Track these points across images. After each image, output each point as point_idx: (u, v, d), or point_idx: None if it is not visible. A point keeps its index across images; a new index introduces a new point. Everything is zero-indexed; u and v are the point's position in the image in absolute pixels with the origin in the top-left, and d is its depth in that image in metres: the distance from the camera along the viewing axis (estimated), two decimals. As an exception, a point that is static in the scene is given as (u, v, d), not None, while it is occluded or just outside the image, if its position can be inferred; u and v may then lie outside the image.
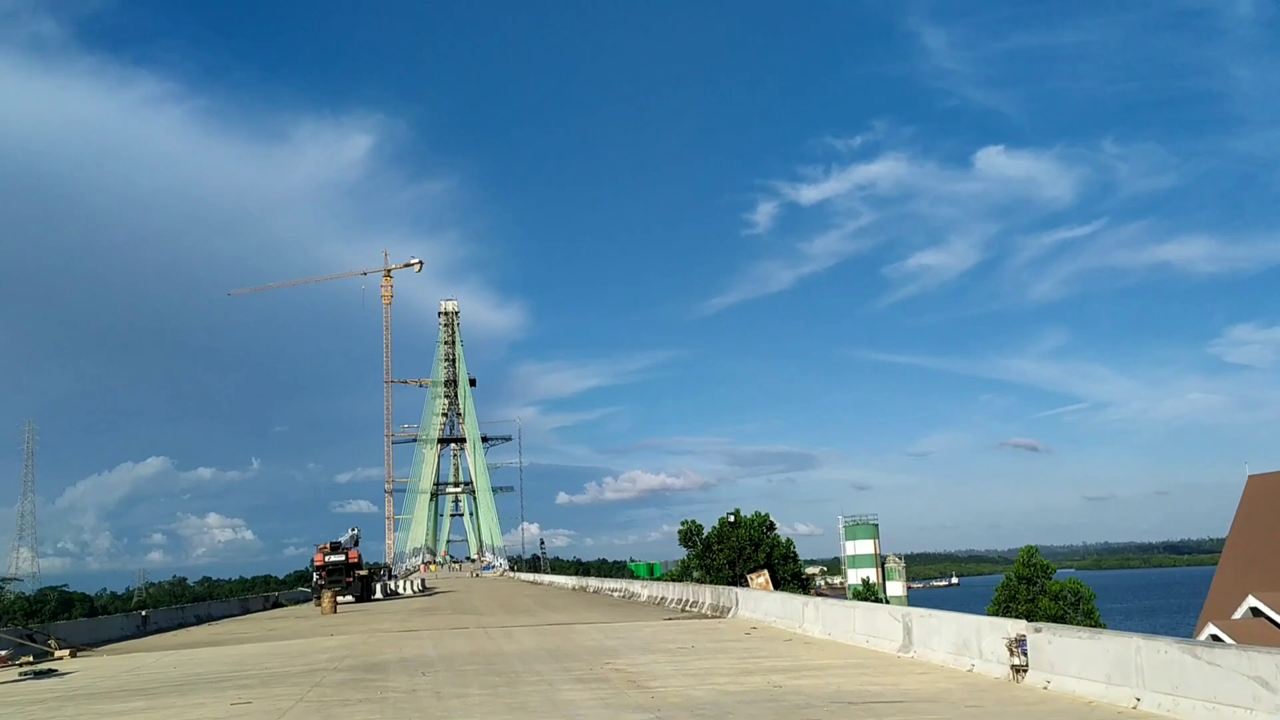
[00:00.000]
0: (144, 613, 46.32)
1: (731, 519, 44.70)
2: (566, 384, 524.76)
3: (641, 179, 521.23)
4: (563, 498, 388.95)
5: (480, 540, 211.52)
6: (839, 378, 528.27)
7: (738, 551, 44.59)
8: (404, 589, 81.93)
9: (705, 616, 36.02)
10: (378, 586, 76.50)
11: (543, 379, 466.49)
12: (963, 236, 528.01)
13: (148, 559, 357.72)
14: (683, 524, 47.42)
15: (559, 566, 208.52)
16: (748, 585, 46.23)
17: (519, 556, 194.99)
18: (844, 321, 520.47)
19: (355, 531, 72.71)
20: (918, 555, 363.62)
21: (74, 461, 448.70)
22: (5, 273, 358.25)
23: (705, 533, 46.77)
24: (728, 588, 35.57)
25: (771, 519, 47.86)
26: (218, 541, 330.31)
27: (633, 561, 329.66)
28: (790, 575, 49.05)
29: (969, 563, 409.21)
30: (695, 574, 45.35)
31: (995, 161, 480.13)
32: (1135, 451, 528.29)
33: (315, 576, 66.96)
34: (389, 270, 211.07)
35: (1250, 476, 45.84)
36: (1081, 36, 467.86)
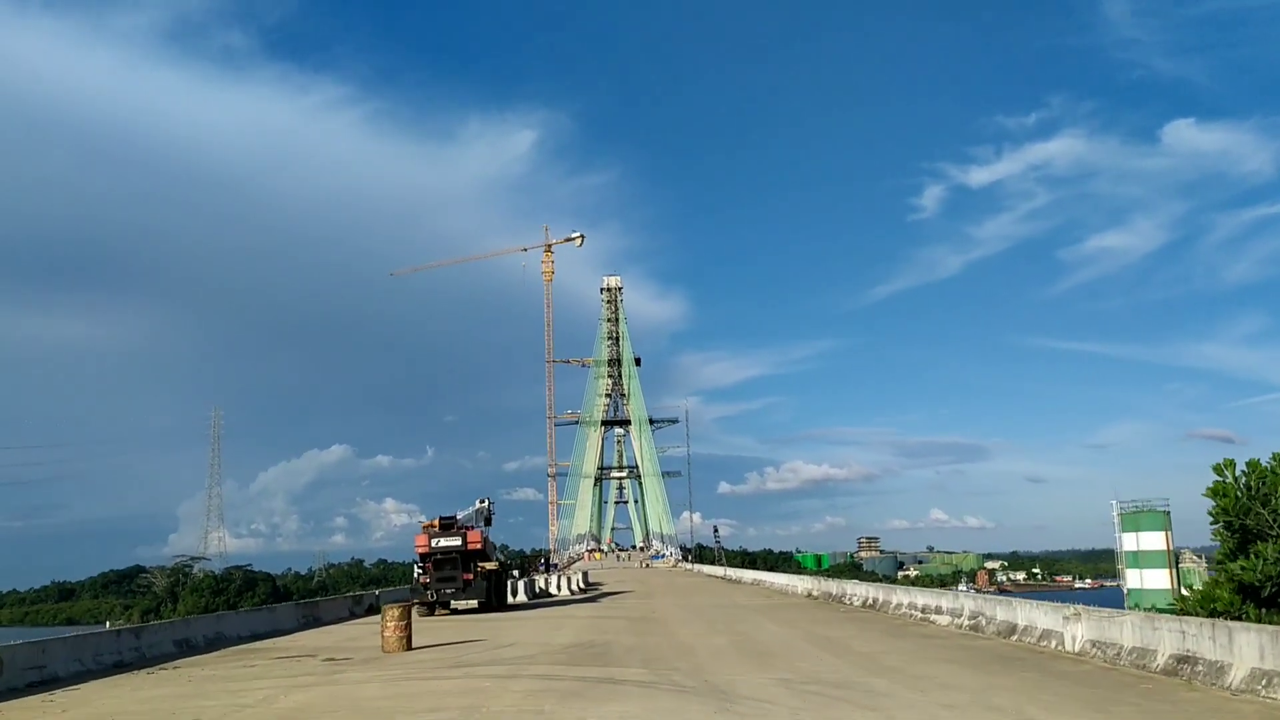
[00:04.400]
0: (-11, 653, 19.87)
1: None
2: (728, 374, 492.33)
3: (803, 165, 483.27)
4: (724, 487, 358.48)
5: (646, 527, 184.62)
6: (1011, 366, 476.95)
7: None
8: (558, 588, 54.58)
9: None
10: (520, 585, 49.37)
11: (704, 369, 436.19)
12: (1148, 216, 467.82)
13: (330, 541, 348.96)
14: (1219, 471, 18.28)
15: (728, 557, 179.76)
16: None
17: (684, 546, 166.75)
18: (1016, 308, 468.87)
19: (484, 504, 45.39)
20: (1100, 552, 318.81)
21: (268, 448, 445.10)
22: (202, 271, 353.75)
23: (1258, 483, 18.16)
24: None
25: None
26: (394, 526, 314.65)
27: (799, 552, 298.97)
28: None
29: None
30: (1231, 568, 16.92)
31: (1185, 135, 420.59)
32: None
33: (417, 570, 40.12)
34: (549, 245, 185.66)
35: None
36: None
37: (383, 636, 24.28)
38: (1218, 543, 20.63)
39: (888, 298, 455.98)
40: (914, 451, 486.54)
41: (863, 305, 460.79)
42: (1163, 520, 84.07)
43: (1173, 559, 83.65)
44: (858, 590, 38.83)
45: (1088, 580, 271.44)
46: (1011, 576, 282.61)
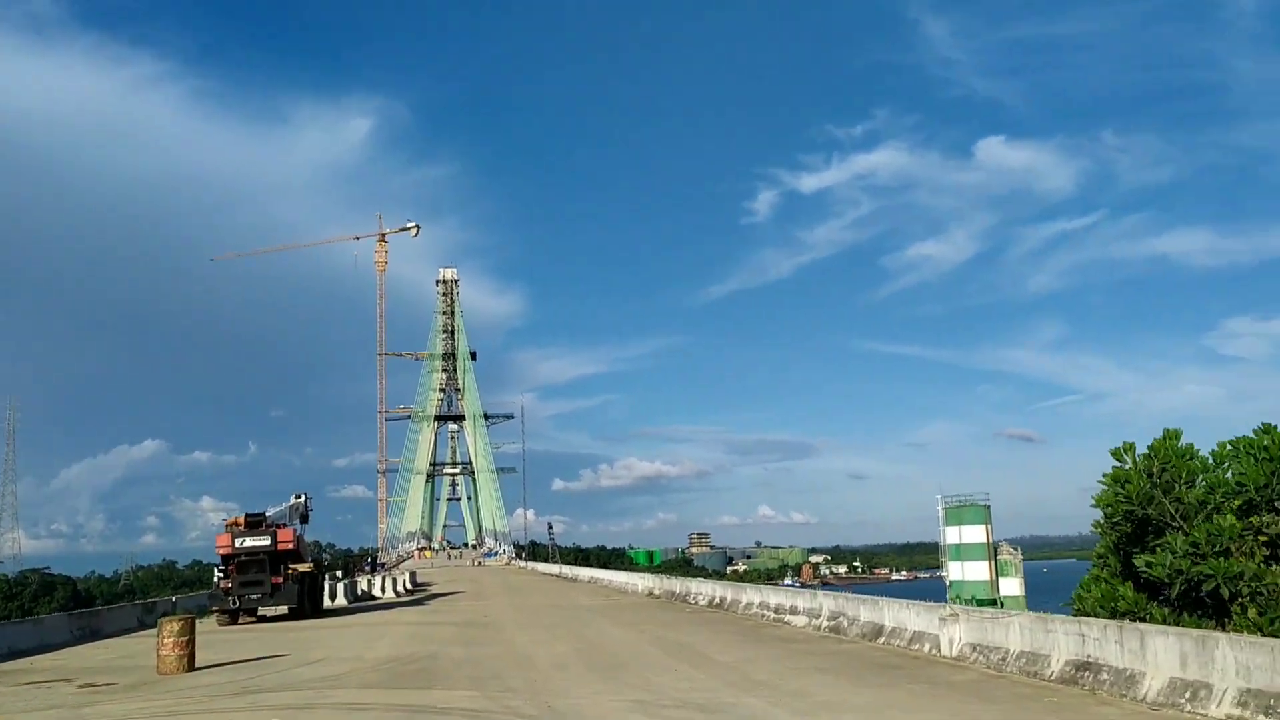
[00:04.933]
0: None
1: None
2: (564, 371, 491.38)
3: (641, 167, 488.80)
4: (558, 484, 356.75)
5: (479, 525, 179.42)
6: (838, 367, 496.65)
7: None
8: (382, 589, 50.40)
9: None
10: (340, 588, 45.05)
11: (540, 366, 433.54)
12: (962, 227, 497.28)
13: (141, 542, 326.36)
14: (1118, 456, 16.52)
15: (561, 554, 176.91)
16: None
17: (518, 543, 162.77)
18: (843, 311, 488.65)
19: (300, 499, 40.91)
20: (915, 545, 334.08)
21: (70, 444, 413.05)
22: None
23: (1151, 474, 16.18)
24: None
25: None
26: (211, 525, 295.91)
27: (632, 549, 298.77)
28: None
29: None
30: (1135, 563, 14.87)
31: (996, 152, 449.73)
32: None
33: (218, 574, 35.37)
34: (383, 235, 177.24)
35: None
36: (1083, 27, 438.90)
37: (158, 655, 20.07)
38: (1097, 534, 19.15)
39: (721, 298, 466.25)
40: (744, 449, 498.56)
41: (697, 305, 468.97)
42: (984, 514, 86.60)
43: (992, 551, 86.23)
44: (703, 589, 36.63)
45: (904, 572, 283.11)
46: (834, 570, 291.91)
